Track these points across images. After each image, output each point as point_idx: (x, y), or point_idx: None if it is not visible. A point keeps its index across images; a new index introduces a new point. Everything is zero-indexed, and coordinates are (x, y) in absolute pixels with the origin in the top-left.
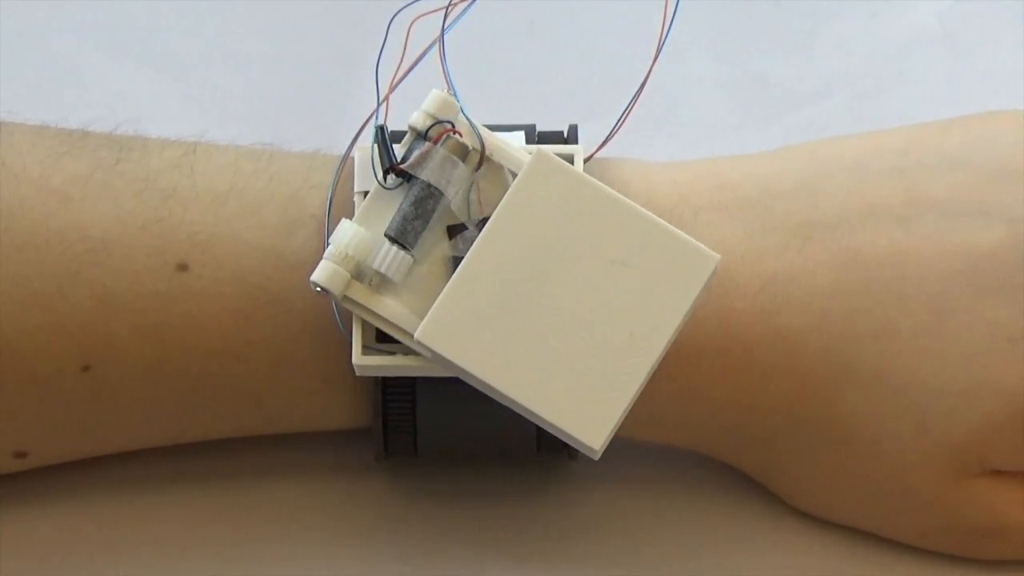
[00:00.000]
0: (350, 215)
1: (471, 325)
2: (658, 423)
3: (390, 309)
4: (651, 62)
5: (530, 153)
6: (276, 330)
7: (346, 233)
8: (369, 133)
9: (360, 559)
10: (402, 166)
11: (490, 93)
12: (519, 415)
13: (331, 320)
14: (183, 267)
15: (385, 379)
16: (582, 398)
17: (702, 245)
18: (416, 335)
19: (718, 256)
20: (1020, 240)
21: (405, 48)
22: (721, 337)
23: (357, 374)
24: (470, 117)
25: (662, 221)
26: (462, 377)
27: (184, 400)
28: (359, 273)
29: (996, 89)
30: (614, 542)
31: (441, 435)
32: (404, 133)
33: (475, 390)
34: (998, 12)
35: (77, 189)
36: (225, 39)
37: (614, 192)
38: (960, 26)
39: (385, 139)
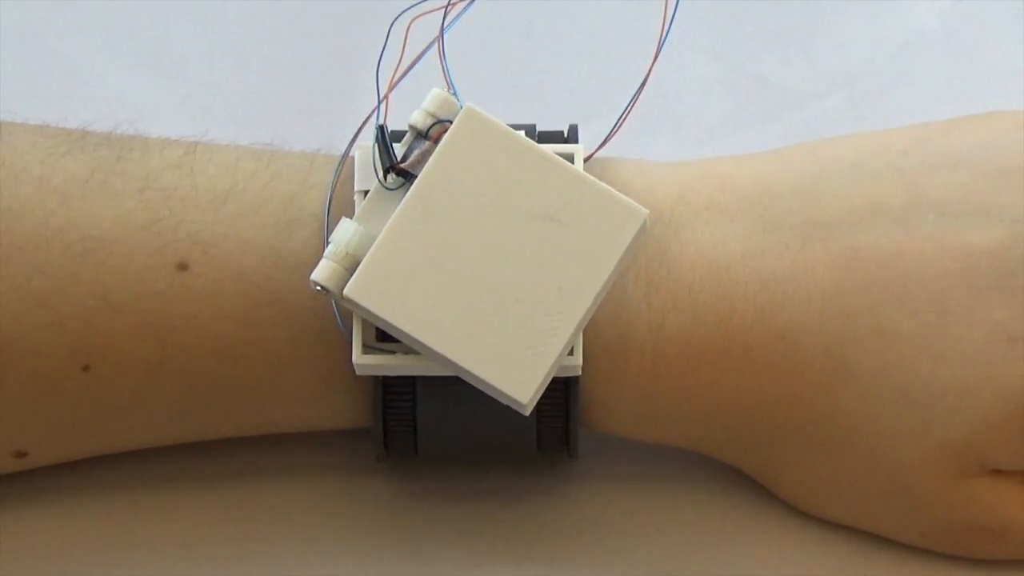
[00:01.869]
0: (350, 214)
1: (399, 281)
2: (658, 423)
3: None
4: (651, 61)
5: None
6: (276, 330)
7: (346, 231)
8: (369, 132)
9: (360, 559)
10: (402, 165)
11: (490, 93)
12: (519, 415)
13: (331, 320)
14: (183, 267)
15: (385, 379)
16: (511, 352)
17: (631, 200)
18: (345, 292)
19: (646, 211)
20: (1020, 240)
21: (404, 48)
22: (721, 337)
23: (357, 373)
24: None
25: (591, 177)
26: (393, 334)
27: (184, 400)
28: None
29: (996, 89)
30: (614, 542)
31: (441, 435)
32: (404, 132)
33: (475, 390)
34: (998, 12)
35: (77, 189)
36: (225, 39)
37: (543, 148)
38: (960, 26)
39: (385, 138)
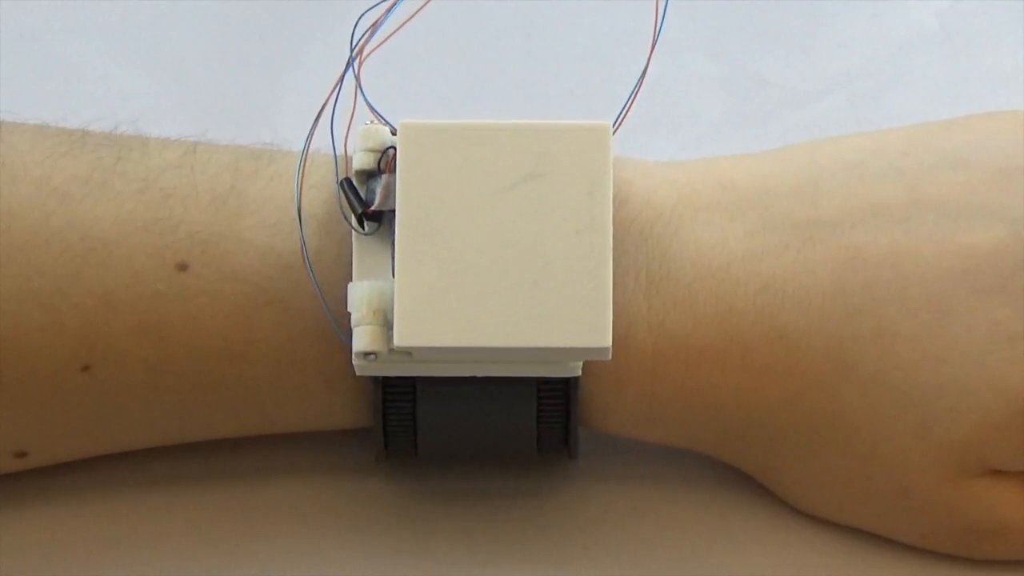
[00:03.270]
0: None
1: (436, 308)
2: (658, 423)
3: None
4: (647, 59)
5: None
6: (276, 330)
7: (360, 292)
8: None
9: (360, 559)
10: (372, 208)
11: (490, 93)
12: (519, 415)
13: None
14: (183, 267)
15: (385, 379)
16: (570, 311)
17: (585, 121)
18: (395, 343)
19: (606, 123)
20: (1021, 240)
21: (356, 47)
22: (721, 337)
23: (357, 373)
24: (395, 127)
25: (542, 121)
26: (453, 358)
27: (184, 400)
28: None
29: (996, 89)
30: (614, 542)
31: (441, 435)
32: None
33: (475, 390)
34: (998, 12)
35: (77, 189)
36: (225, 39)
37: (487, 122)
38: (960, 26)
39: (354, 188)
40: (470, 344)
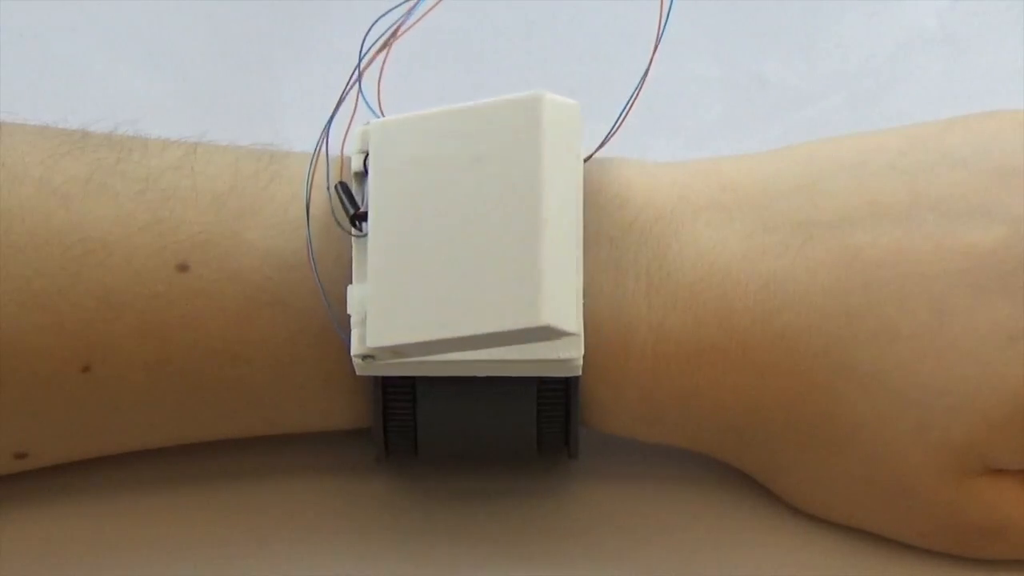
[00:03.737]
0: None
1: (407, 304)
2: (658, 423)
3: None
4: (649, 60)
5: None
6: (276, 330)
7: (358, 296)
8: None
9: (360, 559)
10: (363, 210)
11: (490, 93)
12: (519, 415)
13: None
14: (183, 267)
15: (385, 379)
16: (506, 293)
17: (521, 94)
18: (368, 344)
19: (542, 91)
20: (1021, 240)
21: (363, 50)
22: (721, 337)
23: (357, 373)
24: None
25: (482, 101)
26: (427, 354)
27: (185, 400)
28: None
29: (996, 89)
30: (614, 542)
31: (441, 435)
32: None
33: (476, 390)
34: (998, 12)
35: (77, 189)
36: (225, 39)
37: (440, 109)
38: (960, 26)
39: (348, 193)
40: (426, 339)
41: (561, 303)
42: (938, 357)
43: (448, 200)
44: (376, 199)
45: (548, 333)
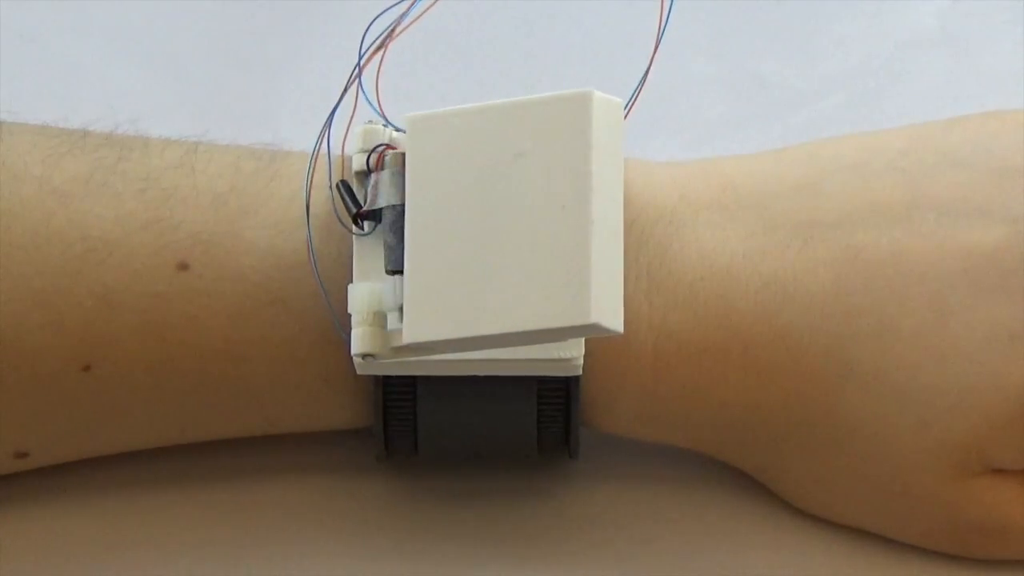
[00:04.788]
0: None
1: (440, 300)
2: (658, 423)
3: None
4: (649, 60)
5: None
6: (277, 330)
7: (360, 294)
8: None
9: (360, 559)
10: (366, 208)
11: (490, 93)
12: (519, 414)
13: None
14: (184, 267)
15: (386, 378)
16: (553, 291)
17: (570, 90)
18: (404, 341)
19: (589, 89)
20: (1021, 240)
21: (362, 48)
22: (721, 336)
23: (358, 373)
24: (396, 126)
25: (526, 97)
26: (466, 349)
27: (185, 400)
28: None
29: (996, 89)
30: (614, 542)
31: (442, 434)
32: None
33: (476, 389)
34: (998, 12)
35: (78, 189)
36: (225, 39)
37: (482, 104)
38: (960, 26)
39: (350, 191)
40: (465, 335)
41: (607, 302)
42: (939, 357)
43: (489, 195)
44: (413, 193)
45: (594, 331)
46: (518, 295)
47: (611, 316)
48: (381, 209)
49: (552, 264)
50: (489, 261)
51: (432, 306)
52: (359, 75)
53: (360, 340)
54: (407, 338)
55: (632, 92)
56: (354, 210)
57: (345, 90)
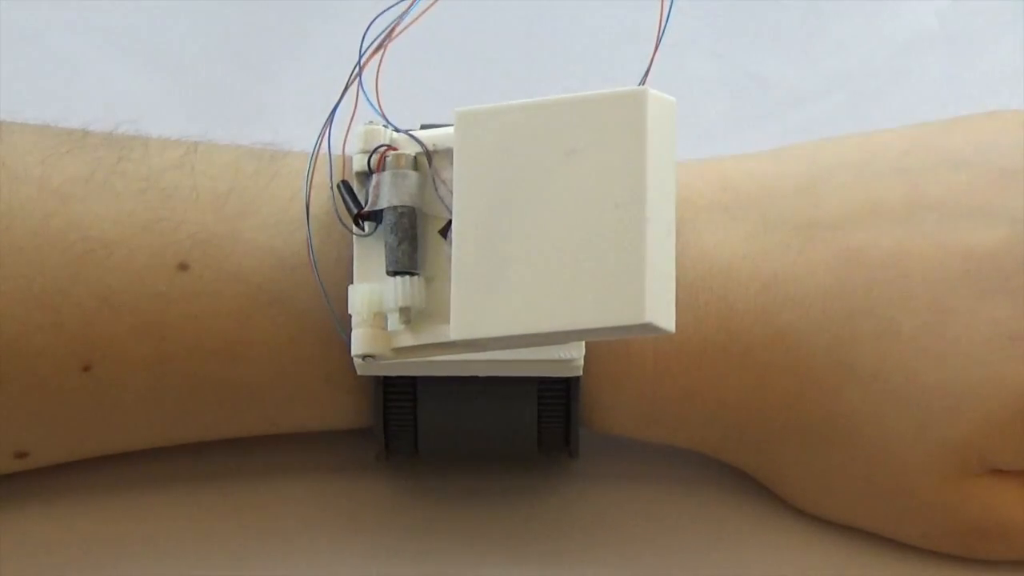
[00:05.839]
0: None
1: (494, 296)
2: (658, 423)
3: (437, 331)
4: (649, 60)
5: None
6: (277, 330)
7: (361, 295)
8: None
9: (360, 559)
10: (367, 209)
11: (490, 93)
12: (519, 414)
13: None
14: (184, 267)
15: (386, 378)
16: (606, 289)
17: (625, 88)
18: (451, 336)
19: (644, 88)
20: (1022, 240)
21: (362, 48)
22: (722, 337)
23: (359, 373)
24: (397, 126)
25: (582, 92)
26: (511, 347)
27: (185, 400)
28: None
29: (996, 89)
30: (614, 542)
31: (442, 435)
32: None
33: (476, 390)
34: (998, 12)
35: (78, 189)
36: (225, 39)
37: (533, 100)
38: (960, 26)
39: (351, 192)
40: (515, 332)
41: (661, 302)
42: (939, 357)
43: (539, 192)
44: (461, 189)
45: (647, 331)
46: (570, 293)
47: (664, 316)
48: (382, 210)
49: (605, 262)
50: (539, 258)
51: (481, 302)
52: (359, 75)
53: (360, 341)
54: (455, 334)
55: None
56: (355, 211)
57: (345, 90)
